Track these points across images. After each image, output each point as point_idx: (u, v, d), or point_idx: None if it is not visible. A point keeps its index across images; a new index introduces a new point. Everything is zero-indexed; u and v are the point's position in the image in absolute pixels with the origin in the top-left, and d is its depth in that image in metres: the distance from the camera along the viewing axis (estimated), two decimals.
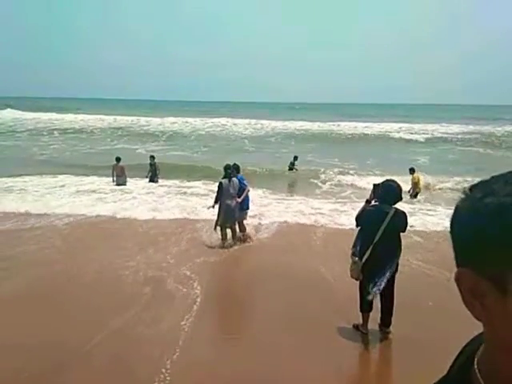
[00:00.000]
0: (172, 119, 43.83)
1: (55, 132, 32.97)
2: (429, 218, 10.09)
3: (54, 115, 44.89)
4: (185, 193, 13.13)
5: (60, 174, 15.66)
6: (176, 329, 4.86)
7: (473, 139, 31.65)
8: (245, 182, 8.41)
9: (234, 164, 8.21)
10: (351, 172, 18.21)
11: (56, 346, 4.57)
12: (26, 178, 14.57)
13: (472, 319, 0.57)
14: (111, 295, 5.90)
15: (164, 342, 4.63)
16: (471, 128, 39.53)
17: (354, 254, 4.54)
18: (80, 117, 43.89)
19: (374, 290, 4.37)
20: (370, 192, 4.69)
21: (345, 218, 9.81)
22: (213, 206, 7.99)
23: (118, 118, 43.72)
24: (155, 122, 41.31)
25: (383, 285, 4.35)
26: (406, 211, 4.59)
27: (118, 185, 13.63)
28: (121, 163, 13.98)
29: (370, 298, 4.45)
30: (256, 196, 12.22)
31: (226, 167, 8.02)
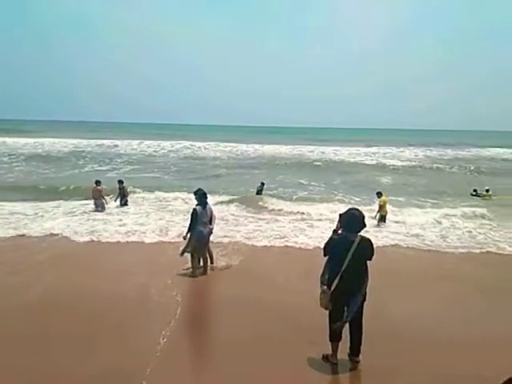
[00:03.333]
0: (138, 141, 43.27)
1: (15, 154, 31.83)
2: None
3: (11, 139, 42.33)
4: (168, 210, 14.04)
5: (35, 198, 15.61)
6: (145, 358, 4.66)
7: (437, 162, 32.94)
8: (209, 205, 8.29)
9: (199, 189, 7.94)
10: (316, 195, 18.48)
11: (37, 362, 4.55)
12: (6, 203, 14.21)
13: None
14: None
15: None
16: (435, 153, 41.27)
17: (323, 283, 4.48)
18: (39, 140, 41.79)
19: (345, 315, 4.36)
20: (332, 217, 4.69)
21: (305, 237, 10.72)
22: (184, 237, 7.78)
23: (82, 141, 42.49)
24: (122, 145, 40.70)
25: (354, 311, 4.33)
26: (371, 238, 4.59)
27: (96, 207, 13.71)
28: (99, 187, 13.93)
29: (338, 324, 4.39)
30: (229, 216, 13.03)
31: (202, 194, 7.80)
